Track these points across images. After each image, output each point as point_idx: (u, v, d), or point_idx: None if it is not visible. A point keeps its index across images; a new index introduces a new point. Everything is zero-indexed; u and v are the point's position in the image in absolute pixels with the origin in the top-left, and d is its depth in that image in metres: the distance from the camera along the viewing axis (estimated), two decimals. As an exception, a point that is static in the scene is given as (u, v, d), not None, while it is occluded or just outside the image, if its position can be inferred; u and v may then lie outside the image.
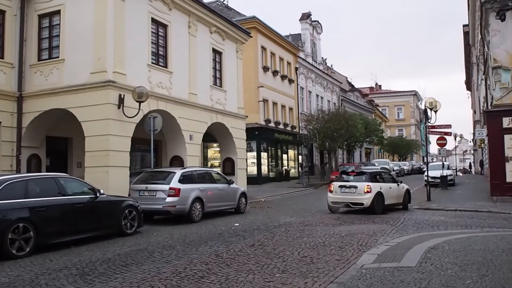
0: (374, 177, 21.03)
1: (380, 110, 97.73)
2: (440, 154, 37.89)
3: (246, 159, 40.66)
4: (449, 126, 28.84)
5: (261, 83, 42.75)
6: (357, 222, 17.24)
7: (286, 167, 47.11)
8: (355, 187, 20.11)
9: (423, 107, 29.97)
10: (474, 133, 59.11)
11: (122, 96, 18.99)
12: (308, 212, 21.03)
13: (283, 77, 48.18)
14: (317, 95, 58.94)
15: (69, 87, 19.29)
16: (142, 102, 19.10)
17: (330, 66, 66.34)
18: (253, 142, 41.64)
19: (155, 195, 16.84)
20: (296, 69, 51.97)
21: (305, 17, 57.08)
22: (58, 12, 20.02)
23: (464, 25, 55.89)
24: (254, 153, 41.79)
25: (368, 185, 19.88)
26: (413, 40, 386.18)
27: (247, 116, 30.89)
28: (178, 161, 23.54)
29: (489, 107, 27.29)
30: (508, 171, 23.93)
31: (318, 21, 60.05)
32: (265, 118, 43.44)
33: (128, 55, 19.94)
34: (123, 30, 19.76)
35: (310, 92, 56.64)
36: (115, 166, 18.64)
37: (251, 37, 32.05)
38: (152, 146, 20.39)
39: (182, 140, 23.48)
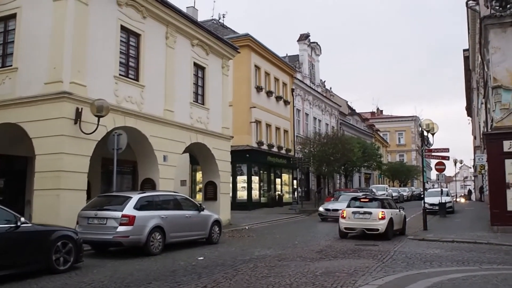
0: (384, 203, 21.52)
1: (381, 135, 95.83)
2: (438, 179, 35.74)
3: (236, 183, 39.02)
4: (446, 149, 26.68)
5: (253, 104, 40.72)
6: (340, 256, 15.06)
7: (279, 192, 44.81)
8: (370, 213, 20.41)
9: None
10: (474, 159, 56.99)
11: (80, 110, 16.89)
12: (290, 243, 18.84)
13: (278, 98, 46.15)
14: (315, 118, 56.87)
15: (21, 98, 17.17)
16: (102, 116, 17.00)
17: (329, 89, 64.50)
18: (244, 165, 39.59)
19: (105, 224, 14.53)
20: (292, 90, 49.98)
21: (303, 38, 55.31)
22: (14, 16, 17.99)
23: (464, 50, 54.45)
24: (245, 177, 39.60)
25: (382, 211, 20.27)
26: (417, 67, 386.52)
27: (232, 137, 28.80)
28: (149, 184, 21.40)
29: (489, 130, 25.22)
30: (509, 199, 21.77)
31: (317, 43, 58.26)
32: (257, 140, 41.30)
33: (90, 65, 17.88)
34: (85, 37, 17.74)
35: (307, 114, 54.57)
36: (68, 189, 16.43)
37: (239, 52, 30.02)
38: (115, 167, 18.20)
39: (155, 161, 21.36)
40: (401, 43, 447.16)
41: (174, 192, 18.62)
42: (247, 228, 25.60)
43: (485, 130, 30.85)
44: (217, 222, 18.75)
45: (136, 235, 14.57)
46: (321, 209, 31.53)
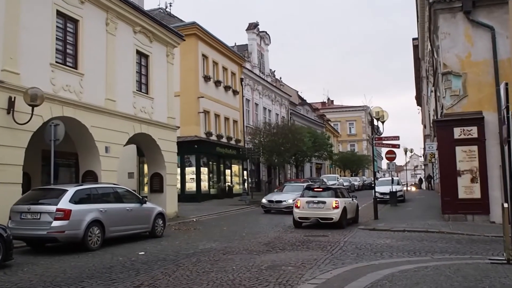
0: (338, 192, 21.74)
1: (332, 125, 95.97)
2: (389, 168, 35.65)
3: (185, 175, 38.21)
4: (397, 137, 26.38)
5: (201, 93, 39.88)
6: (288, 249, 14.54)
7: (229, 183, 44.11)
8: (323, 202, 20.56)
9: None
10: (424, 148, 57.41)
11: (13, 99, 15.90)
12: (237, 235, 18.24)
13: (227, 88, 45.37)
14: (265, 108, 56.30)
15: None
16: (36, 106, 16.05)
17: (279, 79, 63.94)
18: (192, 156, 38.80)
19: (39, 218, 13.61)
20: (242, 80, 49.28)
21: (252, 27, 54.58)
22: None
23: (413, 39, 54.85)
24: (194, 168, 38.79)
25: (336, 201, 20.43)
26: (368, 59, 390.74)
27: (178, 127, 27.99)
28: (91, 177, 20.47)
29: (439, 117, 25.10)
30: (460, 186, 21.55)
31: (266, 32, 57.58)
32: (205, 131, 40.53)
33: (23, 51, 16.83)
34: (17, 22, 16.65)
35: (256, 104, 53.97)
36: (1, 182, 15.45)
37: (184, 40, 29.12)
38: (52, 159, 17.23)
39: (96, 153, 20.45)
40: (353, 36, 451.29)
41: (115, 184, 17.75)
42: (194, 220, 24.89)
43: (435, 118, 30.81)
44: (160, 215, 17.99)
45: (72, 230, 13.72)
46: (264, 200, 30.61)
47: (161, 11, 46.26)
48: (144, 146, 25.70)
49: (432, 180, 62.59)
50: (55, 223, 13.47)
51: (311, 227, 20.76)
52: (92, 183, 17.07)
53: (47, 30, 18.09)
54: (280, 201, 29.00)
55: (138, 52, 24.06)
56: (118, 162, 22.01)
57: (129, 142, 24.81)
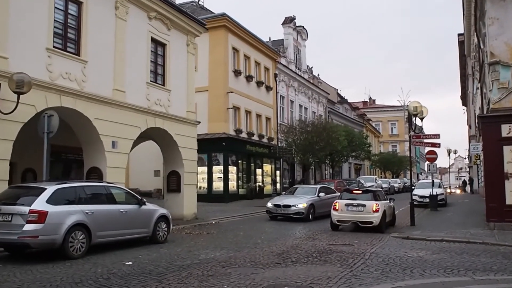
0: (377, 195, 20.93)
1: (373, 125, 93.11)
2: (429, 170, 33.02)
3: (212, 174, 36.38)
4: (437, 135, 23.88)
5: (231, 88, 37.86)
6: (302, 261, 12.43)
7: (260, 183, 41.94)
8: (363, 205, 19.85)
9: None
10: (469, 149, 54.41)
11: (-2, 86, 14.17)
12: (251, 242, 16.21)
13: (259, 84, 43.27)
14: (300, 106, 54.03)
15: None
16: (23, 93, 14.21)
17: (316, 76, 61.61)
18: (220, 154, 36.88)
19: (10, 221, 11.71)
20: (276, 75, 47.11)
21: (288, 21, 52.36)
22: None
23: (459, 34, 52.03)
24: (221, 167, 36.81)
25: (376, 204, 19.76)
26: (412, 60, 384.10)
27: (198, 122, 25.98)
28: (96, 174, 18.65)
29: (485, 113, 22.61)
30: (508, 191, 19.09)
31: (303, 27, 55.33)
32: (235, 128, 38.51)
33: (14, 34, 15.07)
34: (7, 2, 14.94)
35: (292, 101, 51.72)
36: (-20, 179, 13.76)
37: (207, 29, 27.19)
38: (45, 154, 15.37)
39: (101, 148, 18.60)
40: (396, 36, 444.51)
41: (109, 182, 15.79)
42: (213, 223, 22.95)
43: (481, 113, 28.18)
44: (163, 218, 15.99)
45: (48, 235, 11.81)
46: (269, 204, 25.62)
47: (193, 4, 44.58)
48: (159, 142, 23.82)
49: (472, 183, 59.68)
50: (28, 227, 11.56)
51: (344, 231, 19.65)
52: (78, 181, 15.06)
53: (42, 11, 16.24)
54: (289, 206, 24.51)
55: (153, 40, 22.18)
56: (126, 158, 20.19)
57: (144, 137, 23.07)
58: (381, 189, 25.19)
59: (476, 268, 11.76)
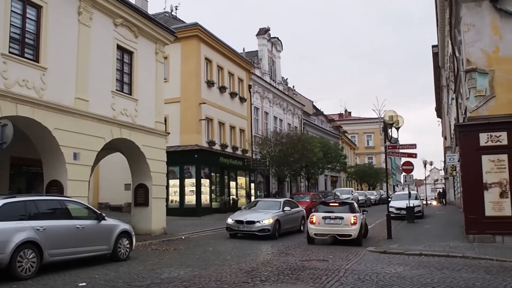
0: (353, 207, 20.63)
1: (349, 137, 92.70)
2: (406, 181, 32.43)
3: (184, 187, 35.35)
4: (413, 145, 23.22)
5: (204, 99, 36.87)
6: (271, 279, 11.59)
7: (233, 196, 40.90)
8: (341, 218, 19.41)
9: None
10: (444, 160, 54.07)
11: None
12: (219, 259, 15.30)
13: (233, 95, 42.36)
14: (275, 117, 53.23)
15: None
16: (-28, 101, 13.23)
17: (291, 87, 60.97)
18: (192, 167, 35.81)
19: (-48, 239, 10.73)
20: (250, 86, 46.31)
21: (263, 32, 51.73)
22: None
23: (433, 46, 51.92)
24: (193, 180, 35.73)
25: (354, 216, 19.42)
26: (386, 74, 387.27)
27: (168, 133, 25.07)
28: (56, 188, 17.56)
29: (462, 122, 22.03)
30: (488, 202, 18.47)
31: (277, 38, 54.71)
32: (208, 140, 37.50)
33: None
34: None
35: (266, 113, 50.91)
36: None
37: (176, 37, 26.21)
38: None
39: (62, 160, 17.55)
40: (374, 50, 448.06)
41: (63, 196, 14.80)
42: (183, 238, 21.99)
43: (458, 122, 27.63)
44: (125, 234, 14.99)
45: (-9, 254, 10.78)
46: (230, 220, 22.57)
47: (167, 14, 43.76)
48: (126, 153, 22.81)
49: (445, 195, 59.69)
50: (-32, 246, 10.54)
51: (318, 246, 19.01)
52: (30, 195, 13.92)
53: (-2, 12, 15.30)
54: (253, 222, 21.71)
55: (119, 47, 21.24)
56: (89, 171, 19.07)
57: (110, 149, 22.12)
58: (353, 202, 24.00)
59: (458, 285, 11.03)
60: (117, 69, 21.06)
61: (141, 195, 22.77)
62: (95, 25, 19.56)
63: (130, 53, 22.06)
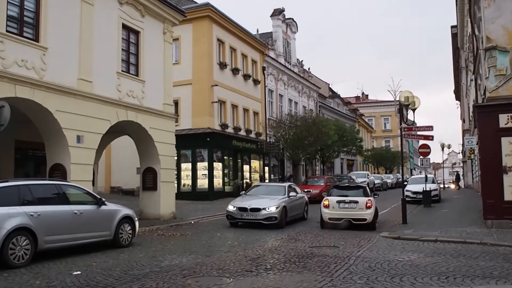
0: (367, 191, 20.39)
1: (366, 120, 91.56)
2: (422, 164, 31.55)
3: (196, 170, 34.83)
4: (430, 127, 22.33)
5: (216, 81, 36.18)
6: (277, 268, 10.95)
7: (247, 180, 40.28)
8: (356, 202, 19.07)
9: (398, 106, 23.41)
10: (463, 144, 53.01)
11: None
12: (225, 245, 14.74)
13: (246, 77, 41.58)
14: (290, 100, 52.37)
15: None
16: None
17: (307, 69, 59.98)
18: (204, 150, 35.16)
19: None
20: (264, 68, 45.46)
21: (277, 13, 50.76)
22: None
23: (452, 27, 50.67)
24: (206, 163, 35.11)
25: (369, 200, 19.13)
26: (407, 58, 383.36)
27: (177, 115, 24.58)
28: (59, 172, 17.01)
29: (481, 102, 21.16)
30: (507, 186, 17.70)
31: (292, 19, 53.67)
32: (220, 123, 36.81)
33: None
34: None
35: (281, 95, 50.09)
36: None
37: (185, 16, 25.44)
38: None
39: (65, 143, 16.98)
40: (391, 33, 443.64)
41: (61, 180, 14.22)
42: (192, 222, 21.42)
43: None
44: (128, 219, 14.39)
45: (-17, 241, 10.23)
46: (231, 208, 20.17)
47: (178, -5, 42.91)
48: (134, 136, 22.23)
49: (459, 180, 58.93)
50: (-42, 232, 10.00)
51: (330, 231, 18.51)
52: (24, 179, 13.30)
53: (-7, -10, 14.68)
54: (258, 209, 19.49)
55: (125, 26, 20.57)
56: (94, 154, 18.42)
57: (117, 132, 21.58)
58: (365, 185, 22.97)
59: (475, 274, 10.31)
60: (122, 49, 20.40)
61: (149, 179, 22.20)
62: (98, 3, 18.88)
63: (137, 33, 21.39)
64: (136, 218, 14.98)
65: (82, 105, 17.62)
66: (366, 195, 19.65)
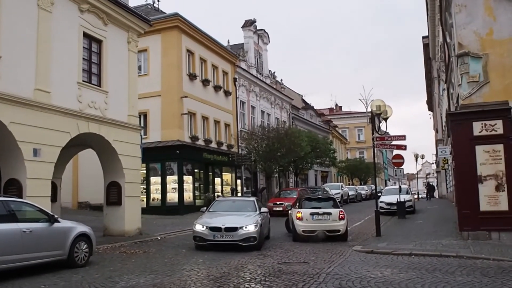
0: (336, 202, 20.69)
1: (340, 131, 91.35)
2: (396, 175, 31.09)
3: (166, 184, 33.96)
4: (402, 137, 21.86)
5: (186, 93, 35.33)
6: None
7: (218, 193, 39.39)
8: (329, 213, 19.14)
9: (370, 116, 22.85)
10: (436, 154, 52.91)
11: None
12: (189, 263, 13.97)
13: (217, 88, 40.84)
14: (263, 111, 51.72)
15: None
16: None
17: (279, 81, 59.45)
18: (174, 163, 34.28)
19: None
20: (235, 80, 44.81)
21: (248, 24, 50.23)
22: None
23: (423, 37, 50.95)
24: (175, 177, 34.21)
25: (341, 211, 19.35)
26: (378, 70, 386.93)
27: (142, 127, 23.65)
28: (14, 187, 16.07)
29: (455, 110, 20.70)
30: (483, 196, 17.14)
31: (264, 30, 53.19)
32: (190, 135, 35.98)
33: None
34: None
35: (253, 107, 49.40)
36: None
37: (151, 26, 24.65)
38: None
39: (20, 157, 16.05)
40: (363, 47, 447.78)
41: (8, 196, 13.24)
42: (159, 238, 20.59)
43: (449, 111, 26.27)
44: (84, 237, 13.45)
45: None
46: (199, 228, 16.95)
47: (148, 6, 42.15)
48: (97, 149, 21.33)
49: (433, 190, 59.07)
50: None
51: (302, 245, 17.77)
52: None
53: None
54: (234, 229, 16.54)
55: (86, 35, 19.73)
56: (52, 168, 17.46)
57: (80, 145, 20.70)
58: (334, 197, 23.07)
59: (452, 291, 9.65)
60: (84, 58, 19.56)
61: (113, 193, 21.29)
62: (57, 11, 18.04)
63: (99, 42, 20.56)
64: (93, 236, 14.05)
65: (39, 117, 16.73)
66: (336, 206, 19.88)
